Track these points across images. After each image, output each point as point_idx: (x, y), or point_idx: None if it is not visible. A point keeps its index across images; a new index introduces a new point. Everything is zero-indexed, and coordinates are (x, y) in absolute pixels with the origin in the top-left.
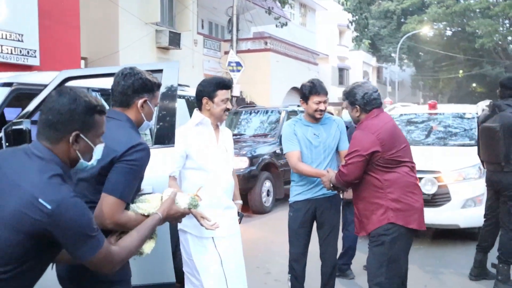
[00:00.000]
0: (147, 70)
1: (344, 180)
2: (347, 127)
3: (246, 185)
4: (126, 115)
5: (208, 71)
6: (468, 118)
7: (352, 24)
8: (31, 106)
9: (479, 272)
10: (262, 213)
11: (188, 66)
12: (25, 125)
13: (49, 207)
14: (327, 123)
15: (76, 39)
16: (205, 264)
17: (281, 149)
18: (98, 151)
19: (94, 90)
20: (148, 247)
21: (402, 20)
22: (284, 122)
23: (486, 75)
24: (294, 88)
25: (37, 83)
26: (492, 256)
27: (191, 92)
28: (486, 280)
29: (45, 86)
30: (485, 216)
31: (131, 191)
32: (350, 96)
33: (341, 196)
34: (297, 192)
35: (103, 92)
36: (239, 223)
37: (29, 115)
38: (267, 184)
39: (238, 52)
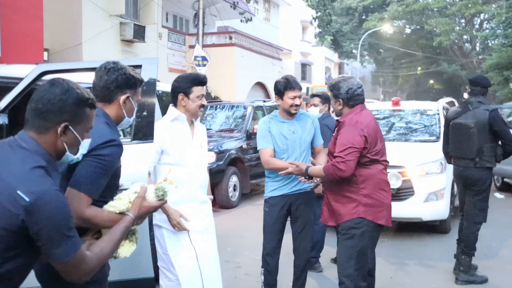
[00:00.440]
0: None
1: (341, 175)
2: None
3: (213, 180)
4: (102, 110)
5: (172, 65)
6: (430, 115)
7: (315, 20)
8: (5, 101)
9: (466, 277)
10: (228, 207)
11: None
12: (1, 119)
13: (27, 199)
14: (302, 119)
15: (39, 30)
16: (180, 258)
17: (248, 144)
18: (85, 145)
19: None
20: (126, 250)
21: (364, 17)
22: (251, 117)
23: (443, 72)
24: (258, 83)
25: (4, 76)
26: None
27: (161, 86)
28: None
29: (13, 79)
30: (460, 210)
31: (97, 186)
32: (334, 89)
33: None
34: (273, 188)
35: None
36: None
37: (4, 109)
38: (234, 179)
39: (203, 46)
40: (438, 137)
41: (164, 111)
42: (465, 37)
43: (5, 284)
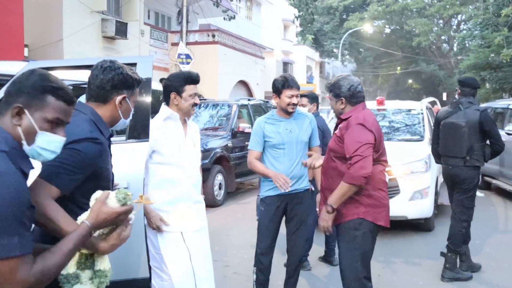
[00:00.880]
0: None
1: (365, 174)
2: None
3: None
4: (92, 109)
5: (155, 62)
6: (414, 114)
7: (297, 19)
8: None
9: (466, 265)
10: (214, 206)
11: None
12: None
13: None
14: (299, 118)
15: (19, 25)
16: (173, 258)
17: (233, 143)
18: (43, 138)
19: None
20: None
21: (344, 16)
22: (236, 116)
23: (421, 72)
24: (241, 82)
25: None
26: (441, 245)
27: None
28: (439, 270)
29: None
30: (452, 208)
31: (67, 180)
32: (335, 88)
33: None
34: (269, 188)
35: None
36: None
37: None
38: (219, 178)
39: (186, 44)
40: (422, 136)
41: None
42: (443, 37)
43: None
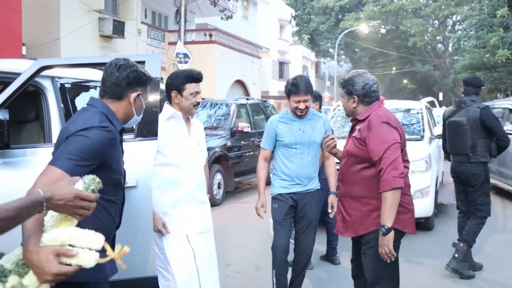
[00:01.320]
0: None
1: (399, 175)
2: None
3: None
4: (103, 103)
5: None
6: (413, 114)
7: (294, 19)
8: (2, 96)
9: (468, 265)
10: (213, 205)
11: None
12: (2, 114)
13: None
14: (313, 119)
15: (17, 24)
16: (178, 258)
17: (232, 142)
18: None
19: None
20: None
21: (340, 16)
22: (235, 115)
23: (416, 72)
24: (238, 81)
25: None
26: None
27: None
28: (441, 268)
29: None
30: (457, 207)
31: (73, 164)
32: (348, 85)
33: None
34: (281, 185)
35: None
36: None
37: (1, 104)
38: (218, 177)
39: (184, 43)
40: (422, 136)
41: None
42: (438, 38)
43: None
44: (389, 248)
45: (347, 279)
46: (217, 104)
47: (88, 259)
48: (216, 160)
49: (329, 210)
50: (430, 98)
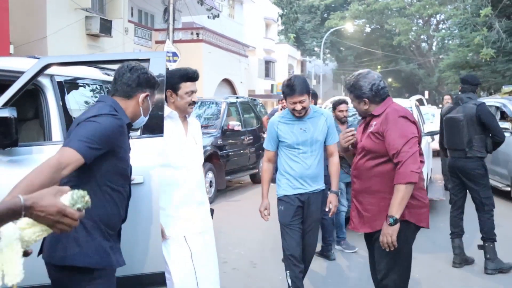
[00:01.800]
0: (134, 59)
1: (416, 170)
2: None
3: None
4: (112, 99)
5: None
6: None
7: (281, 18)
8: (8, 94)
9: (461, 258)
10: None
11: None
12: (10, 112)
13: None
14: (315, 117)
15: (4, 22)
16: (175, 258)
17: (223, 140)
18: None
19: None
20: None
21: (325, 15)
22: (225, 113)
23: (401, 71)
24: (225, 80)
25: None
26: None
27: None
28: (434, 263)
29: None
30: (450, 201)
31: (88, 146)
32: (355, 90)
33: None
34: (287, 186)
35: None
36: (211, 218)
37: (7, 102)
38: (210, 175)
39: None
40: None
41: None
42: (422, 37)
43: None
44: (392, 238)
45: (343, 274)
46: (207, 103)
47: None
48: (208, 159)
49: (327, 209)
50: (418, 96)
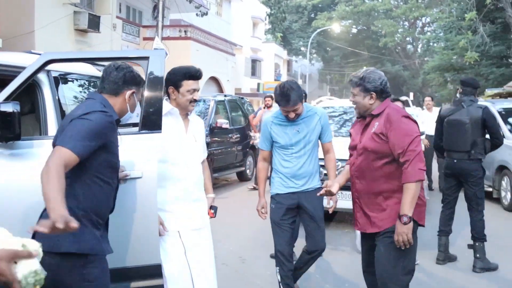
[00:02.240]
0: (134, 57)
1: (423, 168)
2: None
3: None
4: (102, 96)
5: None
6: None
7: (269, 17)
8: (9, 89)
9: (445, 256)
10: None
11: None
12: (14, 106)
13: None
14: (308, 117)
15: None
16: (168, 254)
17: (211, 138)
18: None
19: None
20: None
21: (312, 15)
22: (214, 111)
23: (386, 72)
24: (212, 78)
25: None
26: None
27: None
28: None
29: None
30: (443, 201)
31: (82, 144)
32: (365, 82)
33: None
34: (280, 185)
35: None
36: (214, 216)
37: (9, 97)
38: None
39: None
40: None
41: None
42: (408, 39)
43: None
44: (408, 236)
45: (329, 270)
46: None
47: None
48: None
49: (328, 205)
50: (405, 98)
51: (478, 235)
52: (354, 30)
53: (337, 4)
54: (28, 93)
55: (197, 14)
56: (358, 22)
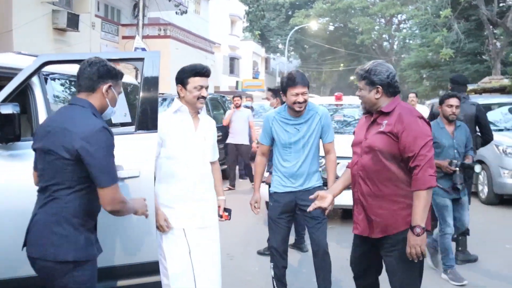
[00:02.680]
0: (128, 58)
1: (434, 174)
2: None
3: None
4: (89, 102)
5: None
6: None
7: (248, 15)
8: (6, 90)
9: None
10: None
11: (85, 50)
12: (13, 108)
13: None
14: (309, 116)
15: None
16: (172, 253)
17: None
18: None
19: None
20: None
21: (290, 13)
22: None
23: None
24: None
25: None
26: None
27: None
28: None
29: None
30: None
31: (114, 169)
32: (371, 74)
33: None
34: (278, 183)
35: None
36: (229, 218)
37: (6, 98)
38: None
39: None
40: None
41: None
42: (384, 36)
43: None
44: (422, 248)
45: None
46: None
47: None
48: None
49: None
50: None
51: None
52: (331, 28)
53: (314, 1)
54: (19, 94)
55: (176, 13)
56: (335, 19)
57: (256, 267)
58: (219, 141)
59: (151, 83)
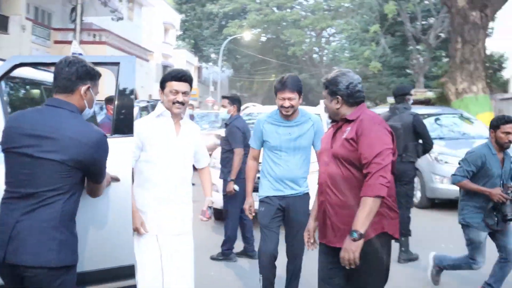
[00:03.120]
0: (103, 62)
1: (386, 183)
2: (226, 124)
3: None
4: (74, 105)
5: None
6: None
7: (185, 24)
8: None
9: (407, 256)
10: None
11: (15, 54)
12: None
13: None
14: (302, 121)
15: None
16: (143, 258)
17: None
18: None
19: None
20: None
21: (223, 23)
22: (138, 118)
23: None
24: None
25: None
26: None
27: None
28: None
29: None
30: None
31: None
32: (331, 85)
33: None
34: (268, 188)
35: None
36: (210, 217)
37: None
38: None
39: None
40: None
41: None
42: (315, 48)
43: None
44: (355, 255)
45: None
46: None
47: None
48: None
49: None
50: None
51: (405, 230)
52: (264, 39)
53: (247, 12)
54: None
55: (112, 19)
56: (267, 30)
57: (212, 271)
58: None
59: (127, 87)
